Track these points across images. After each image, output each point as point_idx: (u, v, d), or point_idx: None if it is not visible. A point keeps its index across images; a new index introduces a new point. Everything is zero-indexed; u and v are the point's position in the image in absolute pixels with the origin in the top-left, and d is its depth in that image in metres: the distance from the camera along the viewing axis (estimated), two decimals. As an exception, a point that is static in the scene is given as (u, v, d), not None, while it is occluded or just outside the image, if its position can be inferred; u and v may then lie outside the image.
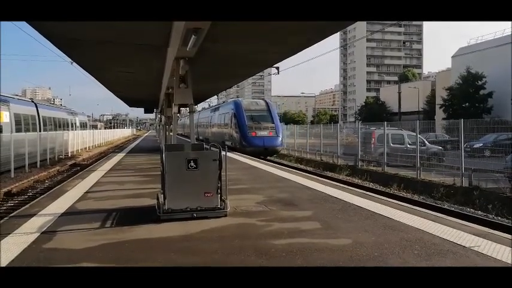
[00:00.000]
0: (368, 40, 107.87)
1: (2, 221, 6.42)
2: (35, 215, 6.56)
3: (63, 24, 7.15)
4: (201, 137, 36.36)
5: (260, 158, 19.34)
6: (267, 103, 26.14)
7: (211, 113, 33.62)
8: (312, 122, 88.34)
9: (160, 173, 6.61)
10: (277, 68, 29.42)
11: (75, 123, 34.01)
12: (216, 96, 39.21)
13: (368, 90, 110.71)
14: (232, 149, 21.96)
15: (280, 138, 23.89)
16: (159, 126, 35.10)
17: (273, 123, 23.95)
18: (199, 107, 41.58)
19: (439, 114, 48.32)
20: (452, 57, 54.06)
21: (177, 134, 17.45)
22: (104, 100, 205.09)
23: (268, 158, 22.93)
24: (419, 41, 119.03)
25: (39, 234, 5.38)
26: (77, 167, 20.38)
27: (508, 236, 5.21)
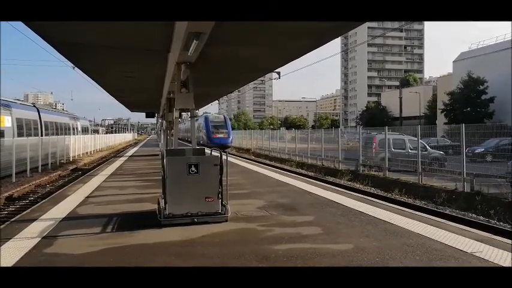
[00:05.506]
0: (369, 45, 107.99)
1: (3, 225, 6.43)
2: (36, 219, 6.57)
3: (64, 28, 7.16)
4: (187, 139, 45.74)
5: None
6: (224, 117, 41.48)
7: None
8: (313, 127, 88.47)
9: (161, 177, 6.61)
10: (279, 73, 29.61)
11: (76, 128, 34.08)
12: (217, 101, 40.16)
13: (369, 95, 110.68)
14: (202, 145, 31.14)
15: (230, 139, 38.13)
16: (160, 131, 35.70)
17: (227, 129, 38.21)
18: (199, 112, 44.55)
19: (441, 119, 48.24)
20: (453, 62, 54.04)
21: None
22: (105, 105, 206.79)
23: (269, 163, 26.20)
24: (421, 46, 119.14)
25: (40, 239, 5.38)
26: (78, 172, 20.40)
27: (510, 241, 5.18)
